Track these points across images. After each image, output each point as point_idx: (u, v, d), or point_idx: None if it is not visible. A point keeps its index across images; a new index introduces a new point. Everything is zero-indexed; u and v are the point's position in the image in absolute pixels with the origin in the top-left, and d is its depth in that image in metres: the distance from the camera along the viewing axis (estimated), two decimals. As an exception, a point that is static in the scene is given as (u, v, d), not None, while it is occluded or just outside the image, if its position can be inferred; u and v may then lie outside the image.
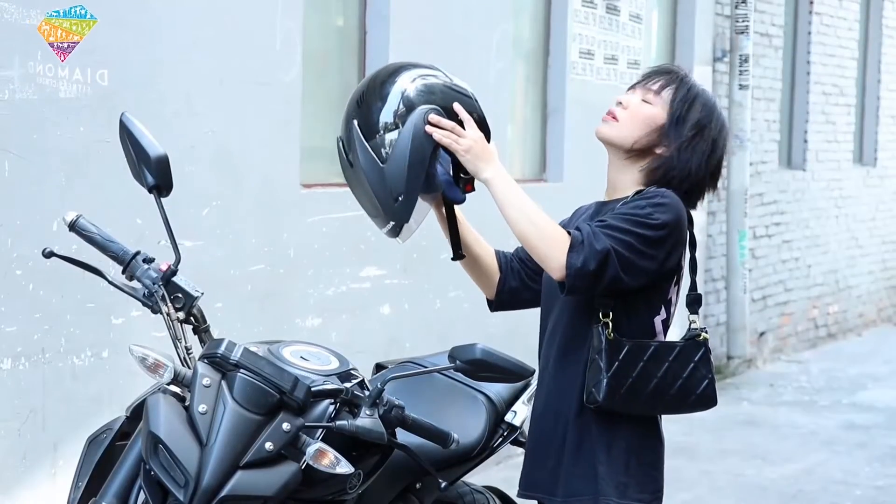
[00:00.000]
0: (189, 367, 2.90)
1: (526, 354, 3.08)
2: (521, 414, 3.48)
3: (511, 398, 3.50)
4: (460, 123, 2.92)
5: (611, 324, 2.91)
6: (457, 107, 2.94)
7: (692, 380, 2.97)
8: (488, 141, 2.95)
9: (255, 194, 5.08)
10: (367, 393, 2.89)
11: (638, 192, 2.96)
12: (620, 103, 3.03)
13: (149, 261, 3.06)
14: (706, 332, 3.02)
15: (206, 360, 2.88)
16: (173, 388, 2.88)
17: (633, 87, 3.07)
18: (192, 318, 3.03)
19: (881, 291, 12.48)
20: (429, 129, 2.90)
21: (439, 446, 2.99)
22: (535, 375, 3.02)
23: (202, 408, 2.80)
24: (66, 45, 4.20)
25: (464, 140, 2.91)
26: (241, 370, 2.84)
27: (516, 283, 3.21)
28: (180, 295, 3.00)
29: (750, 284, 9.46)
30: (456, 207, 3.10)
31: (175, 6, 4.67)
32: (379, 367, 3.54)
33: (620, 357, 2.89)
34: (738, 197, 9.13)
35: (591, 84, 7.40)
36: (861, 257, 11.99)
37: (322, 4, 5.69)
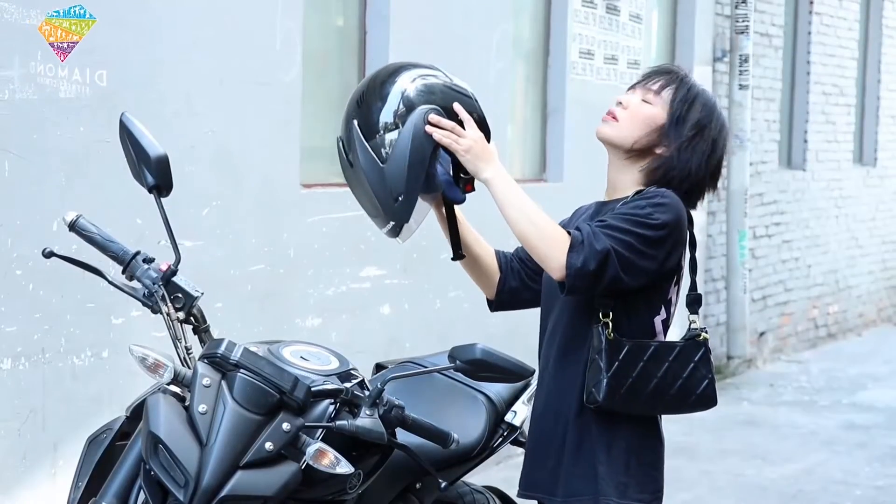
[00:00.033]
0: (189, 367, 2.89)
1: (526, 354, 3.08)
2: (521, 414, 3.48)
3: (511, 398, 3.50)
4: (460, 123, 2.92)
5: (611, 324, 2.91)
6: (457, 107, 2.94)
7: (692, 380, 2.97)
8: (488, 141, 2.95)
9: (255, 194, 5.08)
10: (367, 393, 2.89)
11: (638, 192, 2.96)
12: (620, 103, 3.02)
13: (149, 261, 3.06)
14: (706, 332, 3.02)
15: (206, 360, 2.88)
16: (173, 388, 2.88)
17: (632, 87, 3.08)
18: (192, 318, 3.03)
19: (881, 291, 12.48)
20: (429, 129, 2.90)
21: (439, 446, 2.99)
22: (535, 375, 3.02)
23: (202, 408, 2.80)
24: (65, 45, 4.20)
25: (464, 140, 2.91)
26: (241, 370, 2.84)
27: (516, 283, 3.22)
28: (180, 295, 3.00)
29: (750, 284, 9.46)
30: (456, 207, 3.10)
31: (175, 6, 4.67)
32: (379, 367, 3.54)
33: (620, 357, 2.89)
34: (738, 197, 9.13)
35: (591, 84, 7.40)
36: (861, 257, 11.99)
37: (322, 4, 5.69)
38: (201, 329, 3.05)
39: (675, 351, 2.95)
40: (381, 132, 2.93)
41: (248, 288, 5.04)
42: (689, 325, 3.02)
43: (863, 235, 11.98)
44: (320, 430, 2.84)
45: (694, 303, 3.04)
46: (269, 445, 2.79)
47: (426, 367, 3.23)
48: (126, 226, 4.17)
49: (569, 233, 2.85)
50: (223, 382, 2.84)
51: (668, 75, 3.04)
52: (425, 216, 3.04)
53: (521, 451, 3.21)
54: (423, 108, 2.91)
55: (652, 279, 2.90)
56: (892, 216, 12.61)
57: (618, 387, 2.89)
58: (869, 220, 12.08)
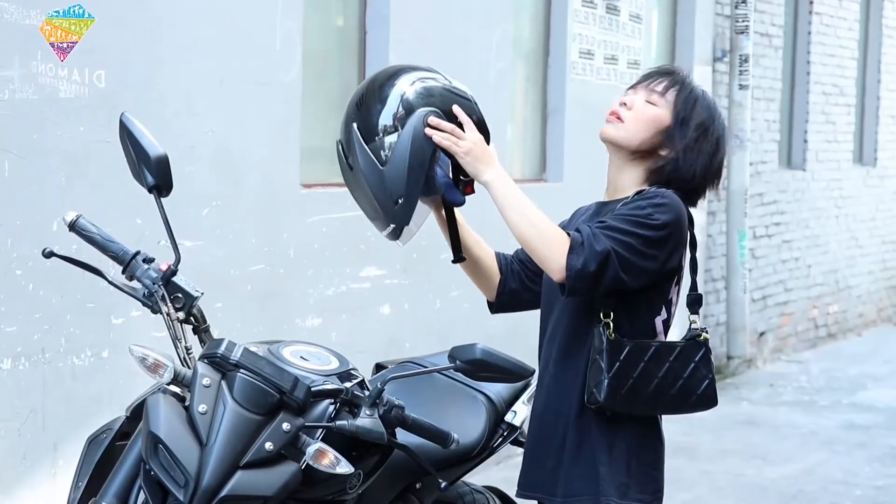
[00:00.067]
0: (189, 367, 2.89)
1: (526, 354, 3.08)
2: (521, 414, 3.48)
3: (511, 398, 3.50)
4: (460, 126, 2.92)
5: (612, 324, 2.91)
6: (456, 109, 2.94)
7: (693, 380, 2.97)
8: (488, 143, 2.95)
9: (255, 194, 5.08)
10: (367, 393, 2.89)
11: (638, 193, 2.96)
12: (624, 104, 3.02)
13: (149, 261, 3.06)
14: (706, 333, 3.03)
15: (206, 360, 2.88)
16: (173, 388, 2.88)
17: (634, 87, 3.07)
18: (192, 318, 3.03)
19: (881, 291, 12.48)
20: (428, 131, 2.90)
21: (439, 446, 2.99)
22: (535, 375, 3.02)
23: (202, 408, 2.80)
24: (65, 45, 4.20)
25: (463, 142, 2.91)
26: (241, 370, 2.84)
27: (516, 284, 3.22)
28: (180, 295, 3.00)
29: (750, 284, 9.46)
30: (456, 210, 3.10)
31: (175, 6, 4.67)
32: (379, 367, 3.54)
33: (621, 357, 2.89)
34: (738, 197, 9.12)
35: (591, 84, 7.40)
36: (861, 257, 11.99)
37: (322, 4, 5.69)
38: (201, 329, 3.05)
39: (676, 351, 2.95)
40: (381, 135, 2.93)
41: (248, 288, 5.04)
42: (690, 326, 3.02)
43: (863, 235, 11.98)
44: (320, 430, 2.84)
45: (694, 303, 3.05)
46: (269, 445, 2.79)
47: (426, 367, 3.23)
48: (126, 226, 4.17)
49: (569, 234, 2.85)
50: (223, 382, 2.84)
51: (671, 76, 3.04)
52: (425, 219, 3.04)
53: (521, 451, 3.21)
54: (422, 110, 2.91)
55: (653, 279, 2.90)
56: (892, 216, 12.61)
57: (619, 387, 2.89)
58: (869, 220, 12.08)
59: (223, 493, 2.74)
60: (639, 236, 2.84)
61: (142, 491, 2.83)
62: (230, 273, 4.94)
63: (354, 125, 2.96)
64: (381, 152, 2.92)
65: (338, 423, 2.82)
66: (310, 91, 5.43)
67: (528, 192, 2.96)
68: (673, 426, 5.38)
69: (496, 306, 3.27)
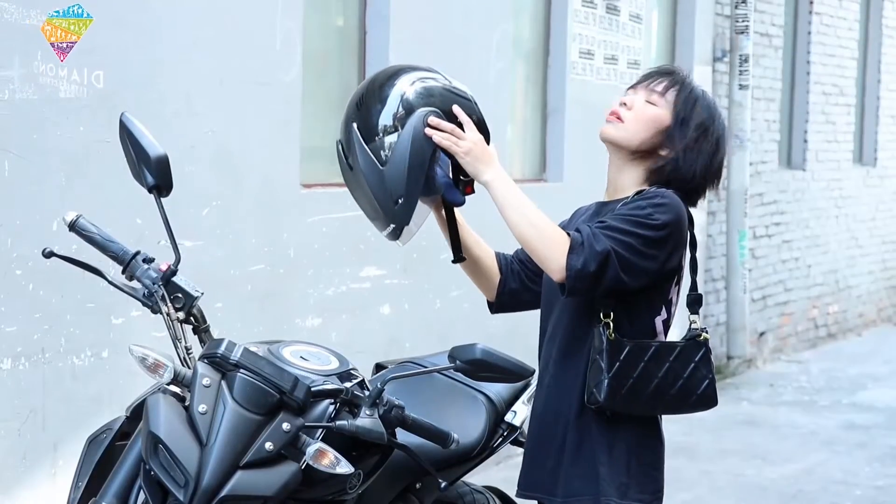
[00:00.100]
0: (189, 367, 2.89)
1: (526, 354, 3.08)
2: (521, 414, 3.48)
3: (511, 398, 3.50)
4: (460, 126, 2.92)
5: (612, 324, 2.91)
6: (456, 109, 2.94)
7: (693, 380, 2.97)
8: (488, 143, 2.95)
9: (255, 194, 5.08)
10: (367, 393, 2.89)
11: (638, 193, 2.96)
12: (624, 104, 3.02)
13: (149, 261, 3.06)
14: (706, 333, 3.03)
15: (206, 360, 2.88)
16: (173, 388, 2.88)
17: (633, 86, 3.07)
18: (192, 318, 3.02)
19: (881, 291, 12.48)
20: (428, 131, 2.90)
21: (439, 446, 2.99)
22: (535, 375, 3.02)
23: (202, 408, 2.80)
24: (65, 45, 4.20)
25: (463, 142, 2.91)
26: (241, 370, 2.84)
27: (516, 284, 3.22)
28: (180, 295, 3.00)
29: (750, 284, 9.46)
30: (455, 210, 3.10)
31: (175, 6, 4.67)
32: (379, 367, 3.54)
33: (622, 357, 2.89)
34: (738, 197, 9.12)
35: (591, 84, 7.40)
36: (861, 257, 11.99)
37: (322, 4, 5.69)
38: (201, 329, 3.05)
39: (676, 351, 2.96)
40: (381, 135, 2.93)
41: (248, 288, 5.04)
42: (690, 326, 3.02)
43: (863, 235, 11.98)
44: (320, 430, 2.84)
45: (694, 303, 3.05)
46: (269, 445, 2.79)
47: (426, 367, 3.23)
48: (126, 226, 4.17)
49: (569, 234, 2.85)
50: (223, 382, 2.84)
51: (671, 76, 3.04)
52: (425, 219, 3.04)
53: (521, 451, 3.21)
54: (422, 110, 2.91)
55: (653, 279, 2.90)
56: (892, 216, 12.61)
57: (619, 387, 2.89)
58: (869, 220, 12.08)
59: (223, 493, 2.74)
60: (639, 236, 2.84)
61: (142, 491, 2.83)
62: (230, 273, 4.94)
63: (354, 125, 2.96)
64: (381, 152, 2.92)
65: (338, 423, 2.82)
66: (310, 91, 5.43)
67: (528, 192, 2.96)
68: (673, 426, 5.38)
69: (496, 306, 3.27)
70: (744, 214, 9.17)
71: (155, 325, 3.41)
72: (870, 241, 12.12)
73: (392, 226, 2.96)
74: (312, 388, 2.85)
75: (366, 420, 2.81)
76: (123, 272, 3.07)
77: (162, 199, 3.03)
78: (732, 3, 9.01)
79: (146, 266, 3.04)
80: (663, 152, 2.98)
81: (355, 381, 2.96)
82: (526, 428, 3.21)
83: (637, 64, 7.89)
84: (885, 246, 12.46)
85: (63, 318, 4.30)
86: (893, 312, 12.76)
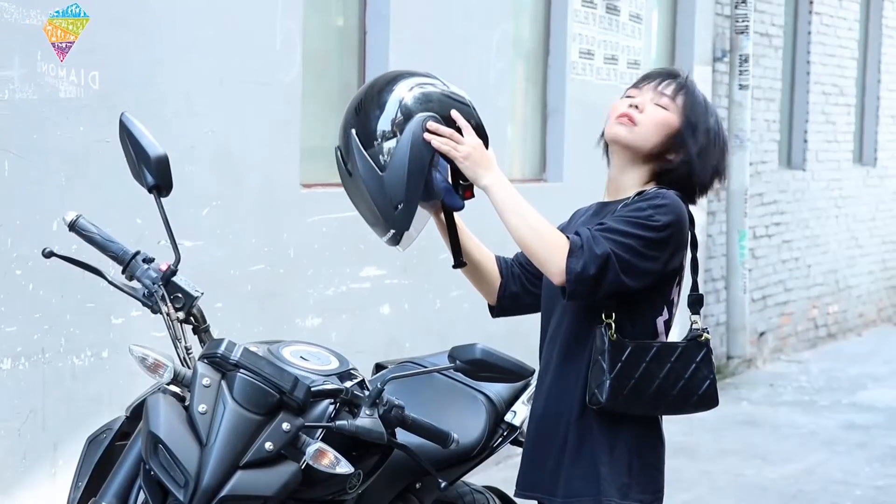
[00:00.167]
0: (189, 367, 2.89)
1: (526, 354, 3.08)
2: (520, 414, 3.48)
3: (511, 398, 3.50)
4: (458, 131, 2.92)
5: (613, 325, 2.91)
6: (454, 114, 2.94)
7: (694, 380, 2.97)
8: (486, 147, 2.95)
9: (255, 194, 5.08)
10: (366, 393, 2.89)
11: (639, 194, 2.96)
12: (636, 106, 3.00)
13: (149, 261, 3.06)
14: (708, 333, 3.03)
15: (206, 360, 2.88)
16: (173, 388, 2.88)
17: (637, 87, 3.06)
18: (191, 318, 3.02)
19: (881, 291, 12.48)
20: (427, 136, 2.90)
21: (439, 446, 2.99)
22: (535, 375, 3.02)
23: (202, 408, 2.80)
24: (64, 45, 4.20)
25: (462, 147, 2.90)
26: (241, 370, 2.84)
27: (517, 288, 3.21)
28: (180, 295, 3.00)
29: (750, 284, 9.46)
30: (455, 214, 3.09)
31: (175, 6, 4.67)
32: (379, 367, 3.54)
33: (623, 358, 2.89)
34: (738, 197, 9.12)
35: (591, 84, 7.40)
36: (861, 257, 11.99)
37: (322, 4, 5.69)
38: (201, 329, 3.04)
39: (678, 351, 2.95)
40: (380, 140, 2.93)
41: (248, 288, 5.04)
42: (691, 326, 3.02)
43: (863, 235, 11.98)
44: (320, 430, 2.84)
45: (695, 303, 3.05)
46: (268, 445, 2.79)
47: (426, 367, 3.23)
48: (126, 226, 4.17)
49: (568, 238, 2.85)
50: (223, 382, 2.84)
51: (677, 79, 3.03)
52: (425, 224, 3.04)
53: (521, 451, 3.21)
54: (421, 115, 2.91)
55: (654, 281, 2.90)
56: (892, 216, 12.61)
57: (621, 388, 2.89)
58: (869, 220, 12.08)
59: (223, 493, 2.74)
60: (639, 238, 2.84)
61: (142, 491, 2.83)
62: (230, 273, 4.94)
63: (353, 131, 2.96)
64: (380, 158, 2.92)
65: (338, 423, 2.82)
66: (310, 91, 5.43)
67: (528, 193, 2.96)
68: (673, 426, 5.38)
69: (497, 310, 3.26)
70: (744, 214, 9.17)
71: (155, 325, 3.41)
72: (870, 241, 12.12)
73: (392, 231, 2.96)
74: (312, 388, 2.85)
75: (366, 420, 2.81)
76: (123, 272, 3.07)
77: (162, 199, 3.03)
78: (732, 3, 9.01)
79: (146, 266, 3.04)
80: (671, 156, 2.98)
81: (355, 381, 2.96)
82: (525, 428, 3.21)
83: (637, 64, 7.89)
84: (885, 246, 12.46)
85: (63, 318, 4.30)
86: (893, 312, 12.76)
